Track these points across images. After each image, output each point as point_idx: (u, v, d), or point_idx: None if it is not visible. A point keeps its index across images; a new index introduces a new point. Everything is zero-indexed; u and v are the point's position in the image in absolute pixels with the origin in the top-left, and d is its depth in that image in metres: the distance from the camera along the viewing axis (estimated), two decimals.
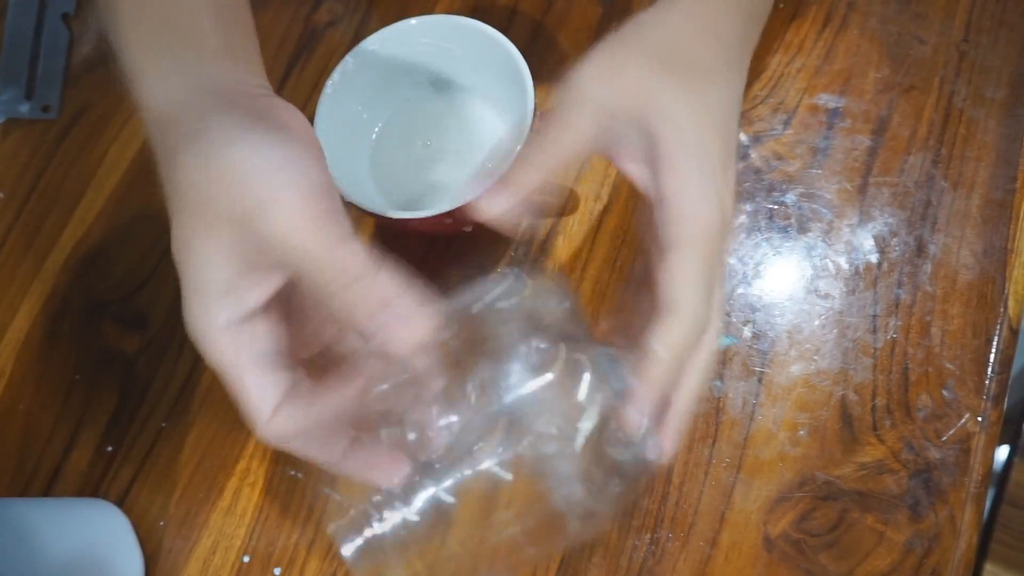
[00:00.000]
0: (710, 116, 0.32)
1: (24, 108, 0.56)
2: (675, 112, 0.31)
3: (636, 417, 0.31)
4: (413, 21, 0.46)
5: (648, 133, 0.31)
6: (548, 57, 0.51)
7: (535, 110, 0.42)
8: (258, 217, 0.27)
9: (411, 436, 0.33)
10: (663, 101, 0.31)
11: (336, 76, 0.45)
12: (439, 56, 0.47)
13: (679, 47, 0.33)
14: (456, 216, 0.42)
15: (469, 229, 0.48)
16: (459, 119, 0.48)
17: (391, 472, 0.32)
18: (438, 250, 0.49)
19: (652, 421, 0.32)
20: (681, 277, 0.30)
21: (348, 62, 0.45)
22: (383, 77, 0.47)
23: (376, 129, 0.49)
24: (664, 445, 0.32)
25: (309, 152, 0.30)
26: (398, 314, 0.28)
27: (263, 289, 0.29)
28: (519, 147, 0.42)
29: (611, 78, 0.32)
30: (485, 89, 0.47)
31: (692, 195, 0.30)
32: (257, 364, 0.30)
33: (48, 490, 0.47)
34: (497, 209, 0.32)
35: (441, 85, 0.49)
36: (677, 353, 0.31)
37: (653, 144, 0.31)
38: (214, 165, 0.28)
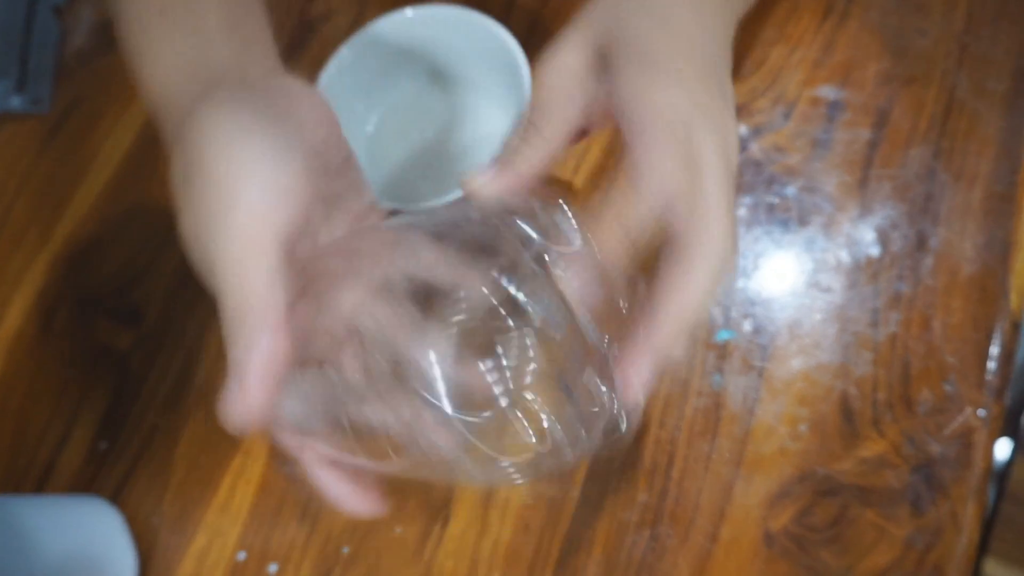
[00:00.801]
0: (674, 32, 0.30)
1: (15, 102, 0.55)
2: (633, 26, 0.30)
3: (637, 384, 0.28)
4: (409, 12, 0.45)
5: (605, 49, 0.30)
6: (546, 48, 0.51)
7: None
8: (206, 235, 0.28)
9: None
10: (623, 23, 0.30)
11: (331, 68, 0.45)
12: (436, 47, 0.46)
13: (651, 31, 0.31)
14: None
15: None
16: (456, 111, 0.48)
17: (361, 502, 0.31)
18: None
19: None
20: (667, 176, 0.27)
21: (343, 54, 0.45)
22: (379, 69, 0.47)
23: (373, 121, 0.48)
24: (632, 392, 0.28)
25: (294, 142, 0.28)
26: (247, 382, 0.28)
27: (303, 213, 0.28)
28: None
29: (587, 57, 0.31)
30: (482, 80, 0.47)
31: (650, 81, 0.28)
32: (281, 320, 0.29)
33: (41, 487, 0.47)
34: (494, 196, 0.32)
35: (438, 77, 0.48)
36: (692, 302, 0.27)
37: (611, 55, 0.30)
38: (192, 163, 0.28)
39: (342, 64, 0.45)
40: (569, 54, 0.32)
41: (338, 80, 0.45)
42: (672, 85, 0.28)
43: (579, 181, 0.48)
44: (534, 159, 0.32)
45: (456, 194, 0.40)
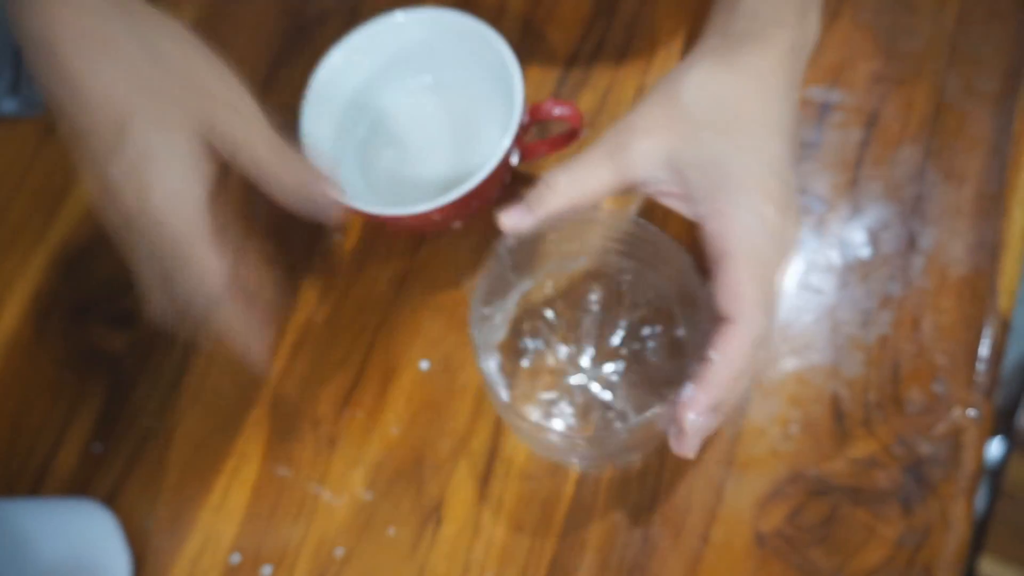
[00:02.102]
0: (748, 150, 0.34)
1: (9, 105, 0.55)
2: (712, 149, 0.34)
3: (692, 419, 0.33)
4: (400, 16, 0.45)
5: (687, 165, 0.35)
6: (537, 52, 0.51)
7: (524, 105, 0.42)
8: (223, 121, 0.34)
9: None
10: (702, 143, 0.34)
11: (321, 72, 0.45)
12: (427, 51, 0.47)
13: (726, 103, 0.34)
14: (444, 212, 0.42)
15: (458, 226, 0.48)
16: (448, 114, 0.48)
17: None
18: (428, 244, 0.48)
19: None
20: (738, 289, 0.33)
21: (333, 57, 0.45)
22: (370, 73, 0.47)
23: (363, 126, 0.48)
24: (688, 445, 0.34)
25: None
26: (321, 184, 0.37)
27: (213, 172, 0.35)
28: (507, 141, 0.41)
29: (660, 133, 0.35)
30: (474, 84, 0.47)
31: (740, 218, 0.33)
32: (213, 237, 0.35)
33: (35, 490, 0.47)
34: (520, 227, 0.36)
35: (429, 81, 0.48)
36: (735, 362, 0.33)
37: (692, 175, 0.34)
38: (173, 66, 0.33)
39: (332, 68, 0.45)
40: (646, 144, 0.35)
41: (328, 84, 0.45)
42: (751, 217, 0.33)
43: None
44: (569, 198, 0.36)
45: (447, 199, 0.40)
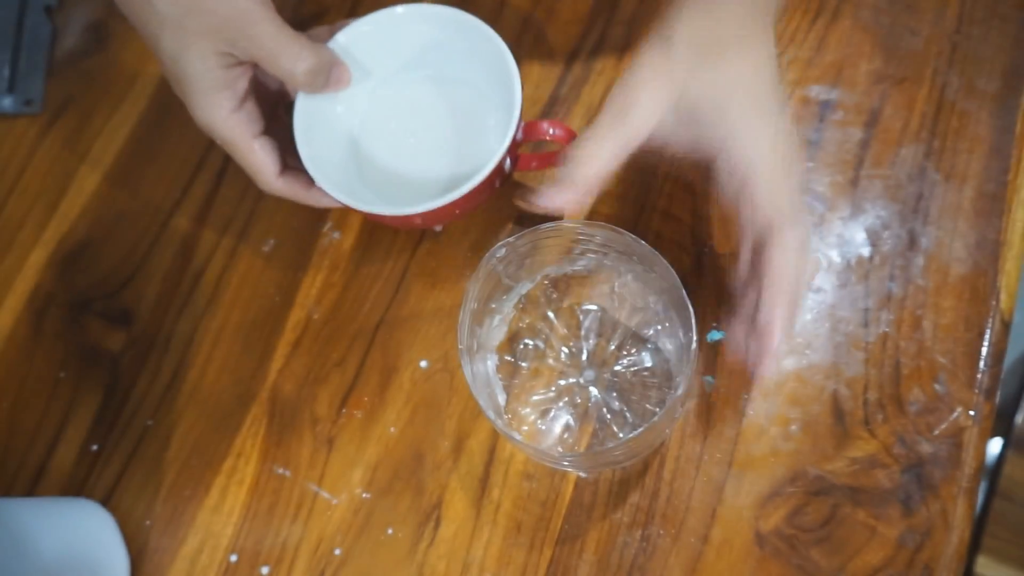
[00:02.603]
0: (742, 79, 0.36)
1: (6, 103, 0.55)
2: (711, 86, 0.36)
3: (780, 338, 0.36)
4: (399, 9, 0.45)
5: (690, 108, 0.37)
6: (537, 50, 0.51)
7: (522, 109, 0.41)
8: (245, 27, 0.38)
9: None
10: (700, 82, 0.36)
11: None
12: (425, 46, 0.46)
13: (713, 41, 0.37)
14: (424, 217, 0.41)
15: (439, 229, 0.47)
16: (446, 109, 0.48)
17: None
18: (428, 243, 0.48)
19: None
20: (776, 199, 0.35)
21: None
22: (367, 66, 0.46)
23: (360, 119, 0.48)
24: (771, 367, 0.37)
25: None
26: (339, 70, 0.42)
27: (246, 79, 0.40)
28: (505, 144, 0.41)
29: (660, 81, 0.37)
30: (472, 80, 0.47)
31: (759, 134, 0.36)
32: (257, 138, 0.41)
33: (32, 489, 0.47)
34: (562, 205, 0.38)
35: (427, 76, 0.48)
36: (794, 266, 0.35)
37: (697, 114, 0.36)
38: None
39: None
40: (647, 97, 0.37)
41: None
42: (761, 136, 0.36)
43: None
44: (606, 159, 0.37)
45: (446, 199, 0.40)
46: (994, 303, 0.43)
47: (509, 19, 0.52)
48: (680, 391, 0.37)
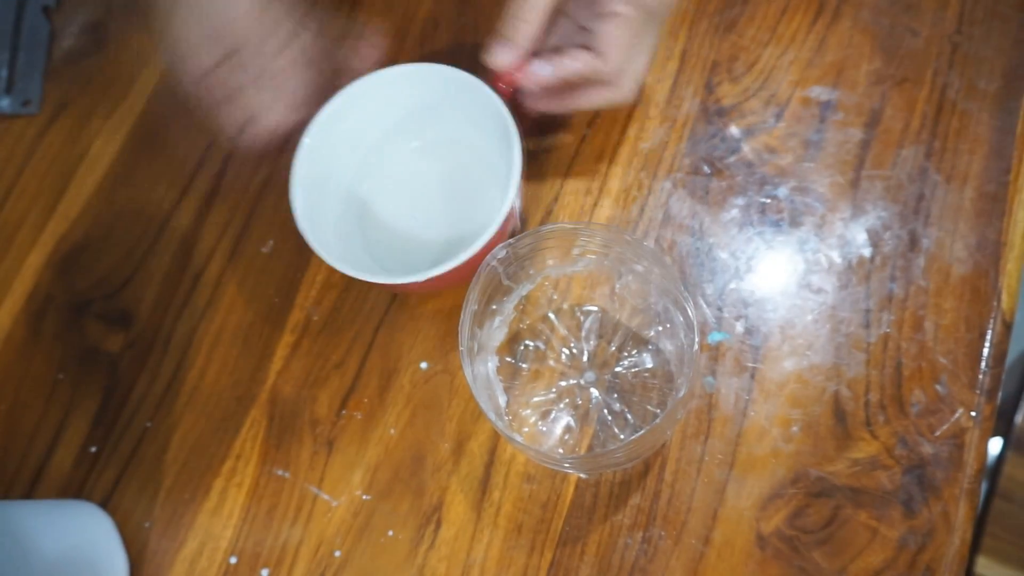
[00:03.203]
0: None
1: (4, 103, 0.55)
2: None
3: (532, 70, 0.42)
4: (395, 70, 0.44)
5: None
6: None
7: (524, 163, 0.41)
8: (219, 11, 0.41)
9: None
10: None
11: (313, 128, 0.43)
12: (419, 107, 0.45)
13: None
14: (422, 285, 0.41)
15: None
16: (443, 171, 0.47)
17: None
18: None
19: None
20: (610, 38, 0.41)
21: (325, 113, 0.43)
22: (364, 128, 0.45)
23: (358, 183, 0.47)
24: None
25: None
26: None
27: (220, 49, 0.42)
28: (505, 208, 0.40)
29: None
30: (470, 140, 0.46)
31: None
32: (227, 97, 0.43)
33: (31, 492, 0.46)
34: (505, 62, 0.42)
35: (422, 136, 0.47)
36: (578, 65, 0.41)
37: None
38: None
39: (323, 123, 0.43)
40: None
41: (321, 140, 0.44)
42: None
43: (570, 186, 0.48)
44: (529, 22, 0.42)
45: (450, 265, 0.39)
46: (995, 304, 0.43)
47: None
48: (682, 393, 0.37)
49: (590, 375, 0.43)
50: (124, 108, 0.54)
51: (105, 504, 0.45)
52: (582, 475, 0.42)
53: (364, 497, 0.44)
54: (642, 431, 0.36)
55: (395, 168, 0.48)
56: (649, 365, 0.43)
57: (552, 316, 0.45)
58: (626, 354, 0.43)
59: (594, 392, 0.43)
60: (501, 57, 0.42)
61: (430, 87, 0.44)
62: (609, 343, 0.44)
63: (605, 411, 0.43)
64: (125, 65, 0.55)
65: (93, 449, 0.47)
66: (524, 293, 0.45)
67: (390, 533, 0.43)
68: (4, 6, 0.57)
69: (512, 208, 0.41)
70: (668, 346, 0.43)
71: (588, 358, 0.44)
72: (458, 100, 0.44)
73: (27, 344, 0.49)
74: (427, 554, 0.42)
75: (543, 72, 0.42)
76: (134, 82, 0.54)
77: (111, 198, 0.52)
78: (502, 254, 0.40)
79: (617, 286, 0.44)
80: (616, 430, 0.42)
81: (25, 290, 0.51)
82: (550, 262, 0.44)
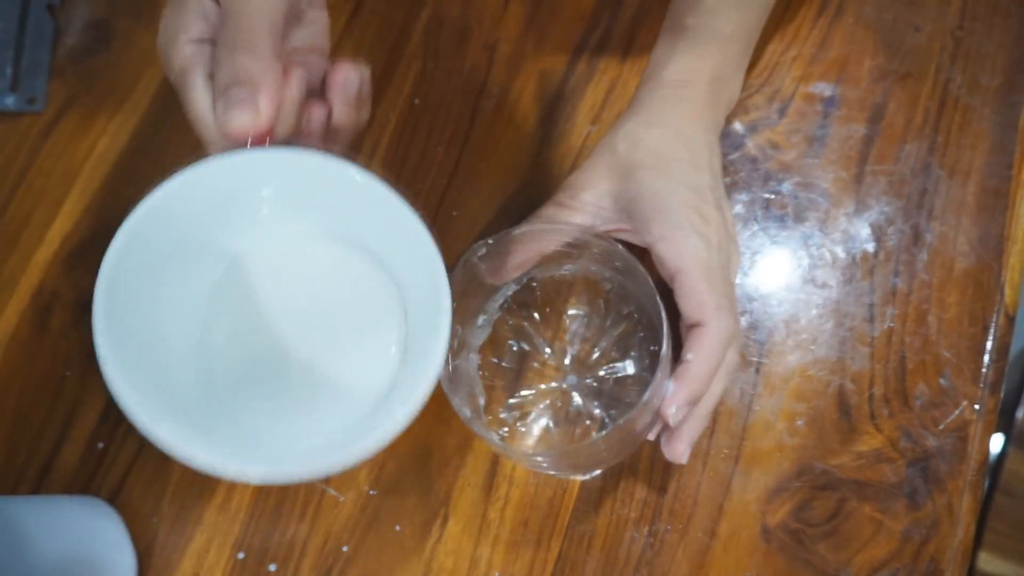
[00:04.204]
0: (678, 183, 0.39)
1: (9, 101, 0.55)
2: (648, 185, 0.39)
3: (673, 411, 0.36)
4: (245, 155, 0.35)
5: (629, 201, 0.39)
6: (542, 45, 0.51)
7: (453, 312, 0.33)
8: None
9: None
10: (640, 181, 0.39)
11: (120, 241, 0.34)
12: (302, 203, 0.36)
13: (654, 149, 0.40)
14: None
15: None
16: (315, 283, 0.37)
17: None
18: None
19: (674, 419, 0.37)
20: (700, 298, 0.37)
21: (132, 222, 0.35)
22: (199, 235, 0.37)
23: (203, 299, 0.37)
24: (678, 449, 0.38)
25: None
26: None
27: (204, 29, 0.38)
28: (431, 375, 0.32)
29: (602, 182, 0.41)
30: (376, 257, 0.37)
31: (684, 238, 0.38)
32: (206, 77, 0.38)
33: (38, 488, 0.47)
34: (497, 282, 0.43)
35: (305, 235, 0.37)
36: (708, 360, 0.37)
37: (635, 208, 0.39)
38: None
39: (137, 235, 0.35)
40: (589, 194, 0.41)
41: (133, 254, 0.34)
42: (692, 235, 0.38)
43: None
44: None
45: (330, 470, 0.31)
46: (998, 298, 0.43)
47: (512, 16, 0.52)
48: (645, 398, 0.36)
49: (572, 379, 0.43)
50: (129, 106, 0.54)
51: (113, 500, 0.46)
52: (578, 477, 0.42)
53: (371, 492, 0.44)
54: (604, 431, 0.36)
55: (249, 281, 0.37)
56: (631, 371, 0.43)
57: (537, 318, 0.45)
58: (608, 359, 0.43)
59: (575, 396, 0.43)
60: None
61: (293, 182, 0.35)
62: (592, 348, 0.44)
63: (584, 416, 0.43)
64: (130, 63, 0.55)
65: (100, 445, 0.47)
66: (509, 293, 0.45)
67: (397, 528, 0.43)
68: (8, 4, 0.57)
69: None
70: (652, 352, 0.43)
71: (570, 362, 0.44)
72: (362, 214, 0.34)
73: (34, 341, 0.50)
74: (435, 548, 0.43)
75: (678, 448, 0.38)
76: (139, 80, 0.54)
77: (117, 196, 0.52)
78: (482, 251, 0.40)
79: (603, 291, 0.44)
80: (594, 435, 0.42)
81: (31, 287, 0.51)
82: (537, 263, 0.44)
